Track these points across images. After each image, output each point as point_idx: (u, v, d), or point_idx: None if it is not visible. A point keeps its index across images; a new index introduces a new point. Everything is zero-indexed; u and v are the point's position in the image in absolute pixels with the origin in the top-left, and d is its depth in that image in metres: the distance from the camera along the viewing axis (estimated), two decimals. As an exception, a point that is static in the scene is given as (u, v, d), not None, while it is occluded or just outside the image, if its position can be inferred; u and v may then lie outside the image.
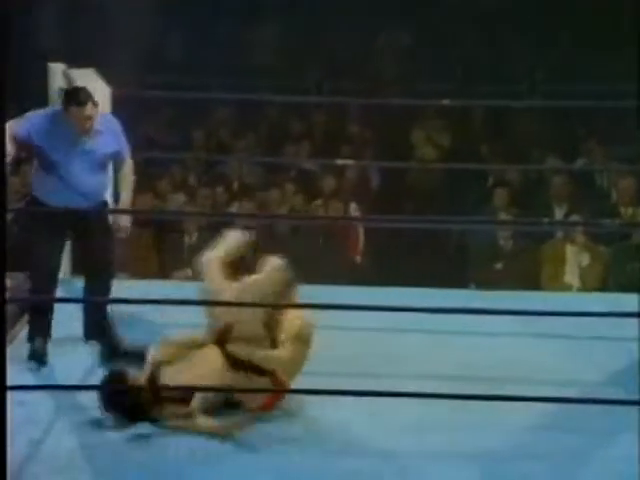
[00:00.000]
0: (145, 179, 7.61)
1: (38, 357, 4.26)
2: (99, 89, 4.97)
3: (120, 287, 5.18)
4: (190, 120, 8.64)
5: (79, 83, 4.95)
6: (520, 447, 3.69)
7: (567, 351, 4.38)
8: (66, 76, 5.02)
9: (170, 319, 4.53)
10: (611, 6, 8.60)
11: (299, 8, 9.85)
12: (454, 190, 7.54)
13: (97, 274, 4.43)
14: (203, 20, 9.55)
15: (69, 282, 5.12)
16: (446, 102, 5.81)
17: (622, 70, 6.84)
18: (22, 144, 4.30)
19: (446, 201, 7.44)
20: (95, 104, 4.30)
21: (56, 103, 4.77)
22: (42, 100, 5.02)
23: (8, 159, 4.08)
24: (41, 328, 4.35)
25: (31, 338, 4.35)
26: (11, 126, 4.18)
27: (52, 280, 4.40)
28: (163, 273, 6.55)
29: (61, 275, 5.13)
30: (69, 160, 4.28)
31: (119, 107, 5.12)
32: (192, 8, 9.50)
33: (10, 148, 4.15)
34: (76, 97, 4.27)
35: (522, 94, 9.44)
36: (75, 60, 5.15)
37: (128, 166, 4.53)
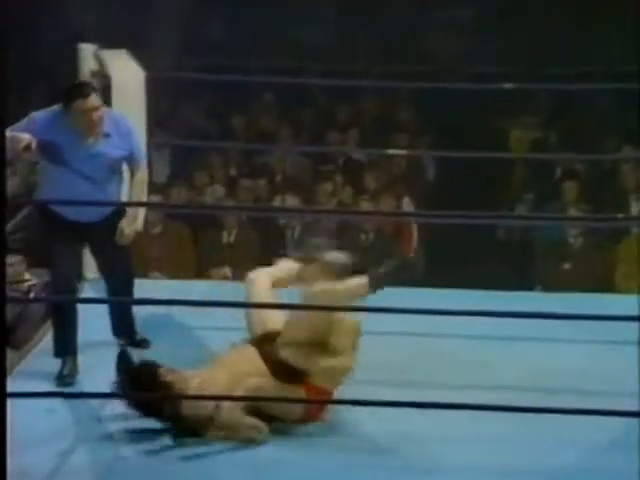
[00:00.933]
0: (181, 169, 7.69)
1: (67, 381, 4.24)
2: (132, 71, 5.03)
3: (154, 287, 5.25)
4: (230, 106, 8.68)
5: (111, 64, 5.02)
6: (592, 466, 3.67)
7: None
8: (97, 57, 5.08)
9: (207, 322, 4.58)
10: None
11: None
12: (518, 183, 7.51)
13: (116, 282, 4.47)
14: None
15: (99, 281, 5.18)
16: (509, 86, 5.78)
17: None
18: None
19: (509, 195, 7.41)
20: (100, 98, 4.21)
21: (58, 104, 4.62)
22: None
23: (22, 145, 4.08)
24: (67, 342, 4.32)
25: (58, 354, 4.34)
26: (12, 129, 4.08)
27: (71, 284, 4.37)
28: (200, 272, 6.60)
29: (92, 273, 5.21)
30: (76, 164, 4.20)
31: (154, 91, 5.16)
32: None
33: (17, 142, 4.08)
34: (79, 90, 4.17)
35: (595, 77, 9.33)
36: (108, 42, 5.20)
37: (142, 173, 4.38)
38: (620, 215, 6.48)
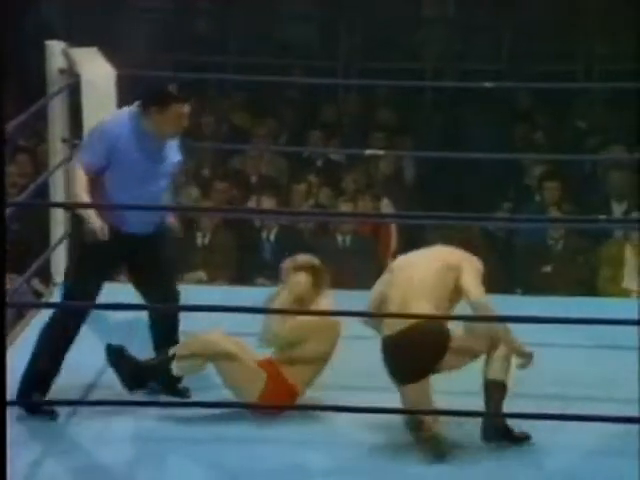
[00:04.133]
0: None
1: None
2: (103, 70, 5.00)
3: (124, 292, 5.22)
4: (205, 105, 8.65)
5: (80, 62, 4.99)
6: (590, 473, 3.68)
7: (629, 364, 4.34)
8: (66, 55, 5.05)
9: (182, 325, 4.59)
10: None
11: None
12: (498, 183, 7.53)
13: (161, 299, 4.21)
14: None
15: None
16: (489, 85, 5.80)
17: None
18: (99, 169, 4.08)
19: (489, 196, 7.43)
20: None
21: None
22: (40, 81, 5.06)
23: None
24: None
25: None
26: (84, 160, 4.05)
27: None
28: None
29: (62, 277, 5.17)
30: (144, 170, 4.09)
31: (126, 91, 5.12)
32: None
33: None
34: (177, 94, 4.11)
35: (578, 75, 9.36)
36: (79, 40, 5.16)
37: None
38: (602, 217, 6.50)
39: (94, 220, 4.00)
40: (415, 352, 3.74)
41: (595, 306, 4.99)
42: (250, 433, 3.93)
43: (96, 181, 4.10)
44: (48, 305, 4.73)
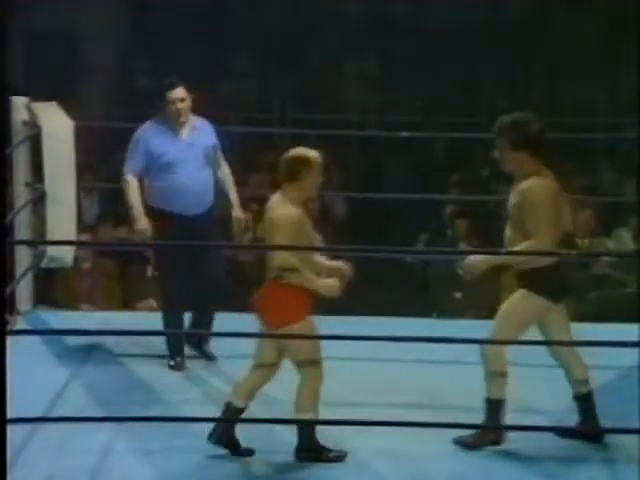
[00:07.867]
0: (109, 210, 7.70)
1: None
2: (61, 122, 5.05)
3: (83, 318, 5.26)
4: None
5: (42, 116, 5.04)
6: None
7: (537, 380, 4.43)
8: (29, 109, 5.10)
9: (133, 349, 4.64)
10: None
11: (266, 38, 10.04)
12: (416, 219, 7.69)
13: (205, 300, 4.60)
14: (170, 50, 9.65)
15: (32, 313, 5.16)
16: (405, 134, 5.97)
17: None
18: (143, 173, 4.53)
19: (408, 230, 7.59)
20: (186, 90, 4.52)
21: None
22: (5, 133, 5.09)
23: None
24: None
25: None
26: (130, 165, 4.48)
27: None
28: (127, 304, 6.61)
29: (26, 306, 5.18)
30: (176, 157, 4.48)
31: (84, 141, 5.18)
32: (157, 36, 9.62)
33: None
34: (166, 83, 4.53)
35: (483, 125, 9.58)
36: (40, 94, 5.21)
37: (226, 165, 4.69)
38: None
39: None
40: None
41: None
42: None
43: None
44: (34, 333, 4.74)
